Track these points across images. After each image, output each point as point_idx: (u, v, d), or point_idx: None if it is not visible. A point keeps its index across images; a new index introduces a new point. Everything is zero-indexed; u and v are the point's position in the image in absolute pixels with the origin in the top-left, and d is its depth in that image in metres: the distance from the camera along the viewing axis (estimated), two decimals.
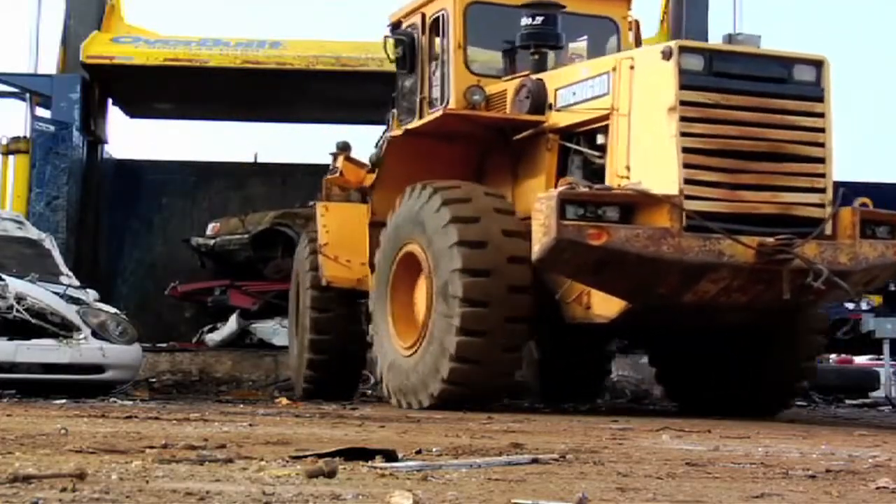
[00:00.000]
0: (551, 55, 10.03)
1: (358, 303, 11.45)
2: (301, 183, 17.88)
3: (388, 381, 9.66)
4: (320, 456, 4.14)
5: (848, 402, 13.89)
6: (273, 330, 15.42)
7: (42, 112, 16.57)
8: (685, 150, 8.22)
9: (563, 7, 10.05)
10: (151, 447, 4.65)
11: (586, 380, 12.22)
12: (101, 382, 10.95)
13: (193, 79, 16.63)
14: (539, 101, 9.45)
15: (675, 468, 4.34)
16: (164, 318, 17.04)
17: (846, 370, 16.85)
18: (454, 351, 8.69)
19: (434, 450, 4.85)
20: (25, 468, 3.54)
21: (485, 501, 3.17)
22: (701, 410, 9.31)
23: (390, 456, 4.19)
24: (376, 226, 10.40)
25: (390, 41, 10.71)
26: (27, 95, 16.74)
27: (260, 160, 19.09)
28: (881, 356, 15.92)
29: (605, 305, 8.71)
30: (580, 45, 10.70)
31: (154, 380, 13.69)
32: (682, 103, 8.24)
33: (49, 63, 16.66)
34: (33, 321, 10.64)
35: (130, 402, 10.16)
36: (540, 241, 8.04)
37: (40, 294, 10.91)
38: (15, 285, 10.80)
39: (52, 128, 15.96)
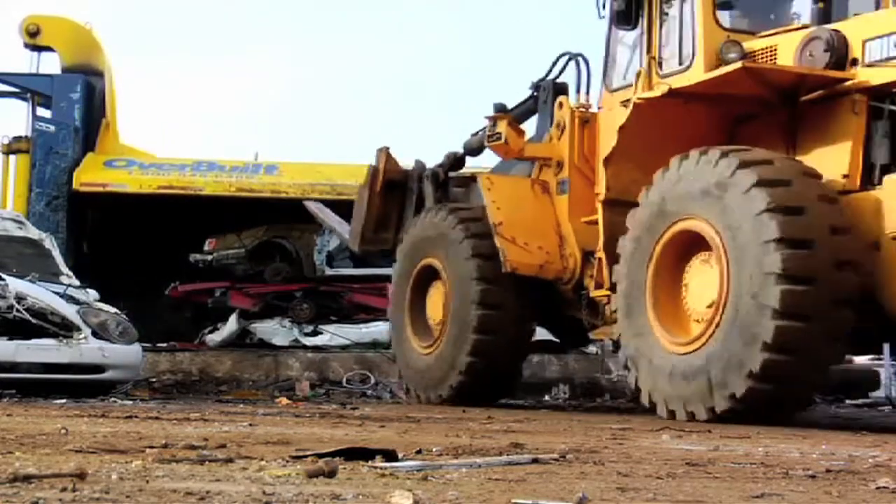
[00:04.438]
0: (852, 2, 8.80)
1: (528, 295, 10.11)
2: None
3: (652, 385, 8.26)
4: (320, 456, 4.14)
5: (848, 402, 13.88)
6: (273, 330, 15.43)
7: (43, 112, 16.60)
8: None
9: None
10: (151, 447, 4.65)
11: None
12: (101, 382, 10.95)
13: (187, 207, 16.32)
14: (840, 55, 8.17)
15: (675, 468, 4.34)
16: (164, 318, 17.01)
17: (846, 370, 16.81)
18: (770, 339, 7.39)
19: (434, 450, 4.84)
20: (26, 468, 3.53)
21: (485, 501, 3.17)
22: None
23: (390, 456, 4.18)
24: (614, 204, 9.11)
25: None
26: (28, 95, 16.78)
27: (259, 160, 19.03)
28: (881, 356, 15.91)
29: None
30: None
31: (154, 380, 13.69)
32: None
33: (49, 63, 16.72)
34: (33, 321, 10.64)
35: (130, 402, 10.16)
36: None
37: (40, 294, 10.91)
38: (15, 285, 10.79)
39: (52, 128, 15.97)
